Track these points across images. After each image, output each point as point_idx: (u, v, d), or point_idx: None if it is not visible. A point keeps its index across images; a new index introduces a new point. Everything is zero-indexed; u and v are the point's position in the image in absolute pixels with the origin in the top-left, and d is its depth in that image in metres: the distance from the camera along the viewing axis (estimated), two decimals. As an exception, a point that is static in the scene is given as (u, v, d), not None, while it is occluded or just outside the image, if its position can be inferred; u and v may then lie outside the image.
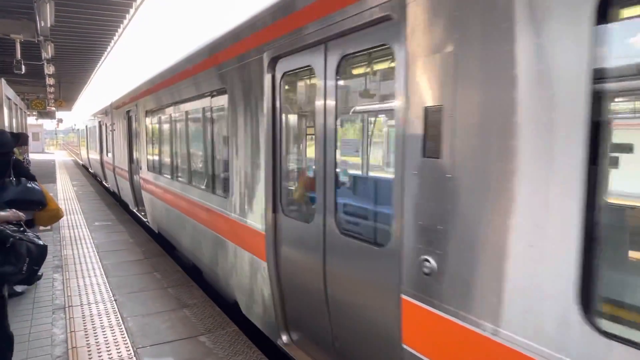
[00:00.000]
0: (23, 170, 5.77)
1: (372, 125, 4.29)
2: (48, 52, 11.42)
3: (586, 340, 1.69)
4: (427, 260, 2.37)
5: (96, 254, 8.01)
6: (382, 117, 4.24)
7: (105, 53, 16.17)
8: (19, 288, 5.78)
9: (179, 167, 7.49)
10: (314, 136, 3.60)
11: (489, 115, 2.01)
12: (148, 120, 9.37)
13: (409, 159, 2.50)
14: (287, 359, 4.27)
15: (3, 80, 14.62)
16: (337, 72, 3.24)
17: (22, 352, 4.34)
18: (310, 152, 3.76)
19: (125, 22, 11.89)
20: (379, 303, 2.89)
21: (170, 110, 7.70)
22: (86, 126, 25.65)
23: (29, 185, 5.34)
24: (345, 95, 3.72)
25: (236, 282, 4.98)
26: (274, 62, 3.94)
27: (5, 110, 14.20)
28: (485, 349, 2.07)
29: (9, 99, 15.03)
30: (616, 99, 1.87)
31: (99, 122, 18.36)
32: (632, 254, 2.04)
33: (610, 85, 1.73)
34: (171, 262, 7.56)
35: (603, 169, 1.71)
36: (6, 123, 14.14)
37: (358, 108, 4.01)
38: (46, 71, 14.94)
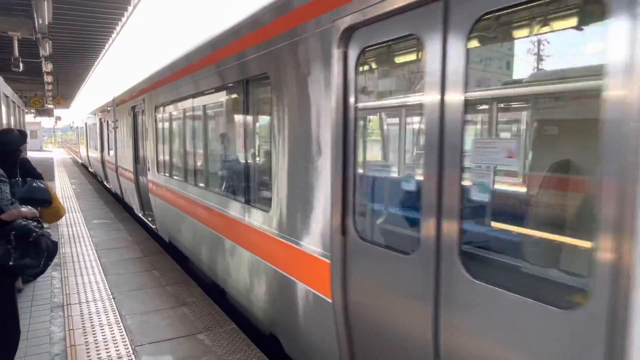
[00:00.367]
0: (30, 169, 5.76)
1: (536, 118, 2.95)
2: (46, 49, 11.38)
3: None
4: None
5: (95, 251, 8.00)
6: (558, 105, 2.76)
7: (104, 51, 16.13)
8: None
9: (199, 171, 6.50)
10: (415, 135, 2.89)
11: None
12: (159, 115, 8.24)
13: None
14: (286, 359, 4.28)
15: (1, 78, 14.55)
16: (468, 40, 2.25)
17: (20, 350, 4.32)
18: (412, 156, 3.04)
19: (124, 19, 11.86)
20: None
21: (187, 103, 6.65)
22: (86, 123, 24.68)
23: (34, 184, 5.28)
24: (481, 74, 2.66)
25: (278, 316, 4.14)
26: (347, 34, 2.99)
27: (3, 108, 14.13)
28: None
29: (7, 96, 14.97)
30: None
31: (100, 119, 17.38)
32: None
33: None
34: (170, 260, 7.56)
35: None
36: (4, 121, 14.08)
37: (518, 91, 2.71)
38: (44, 69, 14.90)
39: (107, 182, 16.91)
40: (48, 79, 17.72)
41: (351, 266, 3.10)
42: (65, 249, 8.11)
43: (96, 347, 4.45)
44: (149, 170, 8.99)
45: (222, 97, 5.76)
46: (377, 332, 2.96)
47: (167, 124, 8.02)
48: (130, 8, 10.95)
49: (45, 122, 53.85)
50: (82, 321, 5.04)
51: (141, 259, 7.62)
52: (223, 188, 5.63)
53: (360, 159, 3.10)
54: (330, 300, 3.24)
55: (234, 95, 5.23)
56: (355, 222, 3.08)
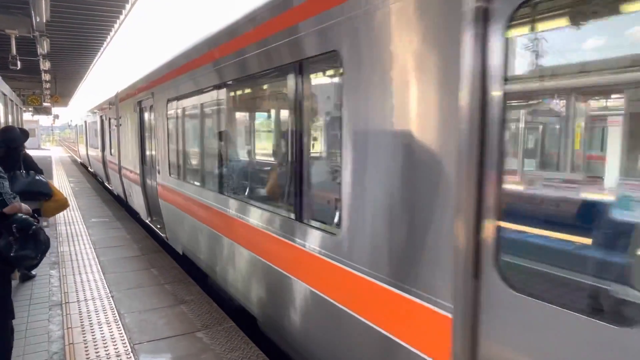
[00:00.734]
0: (31, 164, 6.21)
1: None
2: (44, 47, 11.35)
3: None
4: None
5: (93, 250, 8.00)
6: None
7: (102, 49, 16.11)
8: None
9: (226, 176, 5.39)
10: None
11: None
12: (171, 110, 7.15)
13: None
14: (284, 357, 4.29)
15: (-2, 76, 14.55)
16: None
17: (18, 349, 4.33)
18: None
19: (122, 17, 11.84)
20: None
21: (210, 95, 5.60)
22: (85, 121, 23.22)
23: (37, 177, 5.67)
24: None
25: None
26: None
27: (1, 107, 14.13)
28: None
29: (5, 94, 14.93)
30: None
31: (101, 116, 16.21)
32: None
33: None
34: (168, 259, 7.56)
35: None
36: (2, 119, 14.08)
37: None
38: (42, 67, 14.86)
39: (108, 184, 15.87)
40: (46, 77, 17.69)
41: (488, 326, 2.09)
42: (63, 248, 8.10)
43: (95, 345, 4.45)
44: (158, 173, 8.02)
45: (261, 85, 4.90)
46: None
47: (182, 121, 6.94)
48: (128, 6, 10.93)
49: (43, 120, 53.79)
50: (81, 319, 5.04)
51: (139, 258, 7.61)
52: (262, 199, 4.73)
53: (511, 164, 2.15)
54: None
55: (281, 83, 4.24)
56: (499, 261, 2.04)
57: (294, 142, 3.70)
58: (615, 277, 1.86)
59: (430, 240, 2.37)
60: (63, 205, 6.17)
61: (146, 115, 9.12)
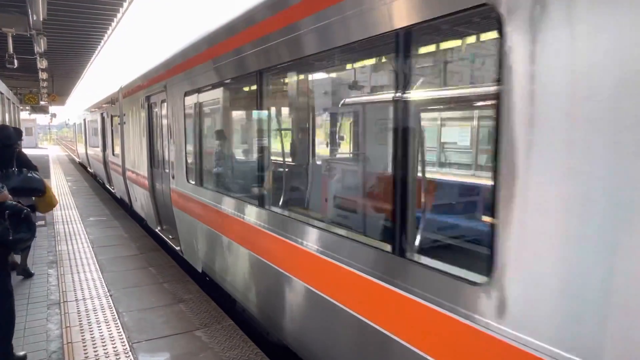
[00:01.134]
0: (26, 161, 6.26)
1: None
2: (40, 46, 11.31)
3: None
4: None
5: (91, 249, 7.99)
6: None
7: (99, 47, 16.06)
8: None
9: (276, 187, 4.57)
10: None
11: None
12: (191, 105, 6.09)
13: None
14: (282, 355, 4.29)
15: (-5, 74, 14.51)
16: None
17: (17, 348, 4.32)
18: None
19: (119, 15, 11.80)
20: None
21: (248, 81, 4.68)
22: (84, 119, 21.92)
23: (29, 174, 5.72)
24: None
25: None
26: None
27: (-2, 105, 14.09)
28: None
29: (2, 93, 14.90)
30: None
31: (102, 114, 15.11)
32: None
33: None
34: (166, 257, 7.55)
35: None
36: (-1, 118, 14.03)
37: None
38: (39, 65, 14.81)
39: (110, 186, 14.75)
40: (43, 75, 17.64)
41: None
42: (61, 247, 8.08)
43: (93, 344, 4.44)
44: (172, 178, 6.93)
45: (342, 63, 4.02)
46: None
47: (206, 117, 6.11)
48: (125, 3, 10.89)
49: (41, 119, 53.63)
50: (79, 318, 5.04)
51: (137, 256, 7.61)
52: (331, 217, 4.05)
53: None
54: None
55: (376, 56, 3.50)
56: None
57: (405, 140, 2.57)
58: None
59: None
60: (52, 202, 6.10)
61: (156, 111, 8.10)
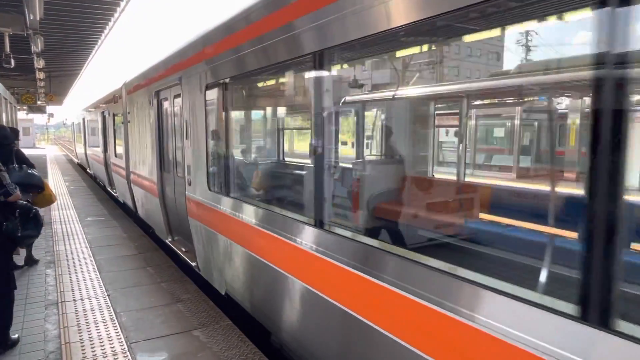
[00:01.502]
0: (24, 159, 6.49)
1: None
2: (37, 45, 11.28)
3: None
4: None
5: (89, 249, 7.97)
6: None
7: (97, 46, 16.02)
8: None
9: (339, 199, 3.90)
10: None
11: None
12: (214, 100, 5.25)
13: None
14: (281, 354, 4.29)
15: (-8, 74, 14.48)
16: None
17: (14, 348, 4.32)
18: None
19: (117, 14, 11.77)
20: None
21: (300, 67, 3.98)
22: (83, 119, 21.03)
23: (29, 171, 6.04)
24: None
25: None
26: None
27: (-5, 105, 14.04)
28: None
29: (-1, 93, 14.85)
30: None
31: (103, 112, 14.27)
32: None
33: None
34: (164, 257, 7.54)
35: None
36: (-4, 118, 14.00)
37: None
38: (36, 65, 14.79)
39: (112, 189, 13.89)
40: (40, 75, 17.59)
41: None
42: (59, 247, 8.07)
43: (91, 344, 4.44)
44: (188, 184, 6.08)
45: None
46: None
47: (237, 113, 5.41)
48: (122, 3, 10.87)
49: (38, 119, 53.51)
50: (77, 318, 5.03)
51: (136, 256, 7.60)
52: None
53: None
54: None
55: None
56: None
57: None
58: None
59: None
60: (51, 199, 6.46)
61: (167, 108, 7.26)
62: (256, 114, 5.29)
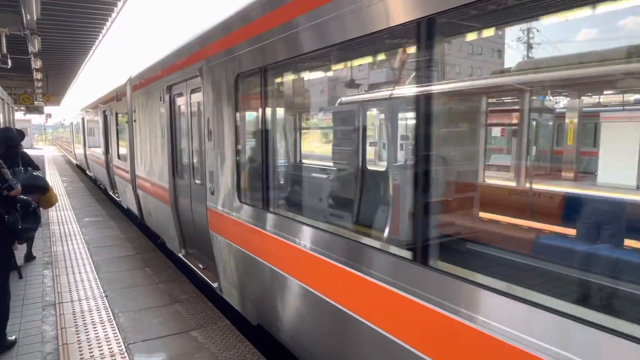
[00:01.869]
0: (29, 161, 6.78)
1: None
2: (35, 46, 11.23)
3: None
4: None
5: (86, 250, 7.95)
6: None
7: (94, 46, 15.98)
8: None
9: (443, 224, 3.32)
10: None
11: None
12: (251, 91, 4.44)
13: None
14: (280, 355, 4.29)
15: (-11, 74, 14.44)
16: None
17: (12, 350, 4.31)
18: None
19: (114, 14, 11.74)
20: None
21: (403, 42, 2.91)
22: (83, 119, 20.00)
23: (34, 173, 6.35)
24: None
25: None
26: None
27: (-8, 105, 14.00)
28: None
29: (-4, 93, 14.81)
30: None
31: (104, 111, 13.29)
32: None
33: None
34: (162, 258, 7.53)
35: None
36: (-7, 118, 13.96)
37: None
38: (33, 65, 14.72)
39: (114, 193, 13.00)
40: (37, 75, 17.53)
41: None
42: (56, 247, 8.04)
43: (89, 345, 4.42)
44: (211, 193, 5.18)
45: None
46: None
47: (285, 107, 4.74)
48: (120, 3, 10.84)
49: (36, 119, 53.39)
50: (74, 319, 5.01)
51: (133, 257, 7.58)
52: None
53: None
54: None
55: None
56: None
57: None
58: None
59: None
60: (53, 200, 6.79)
61: (182, 105, 6.38)
62: (316, 107, 4.22)
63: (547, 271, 3.22)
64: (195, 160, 5.96)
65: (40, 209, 6.32)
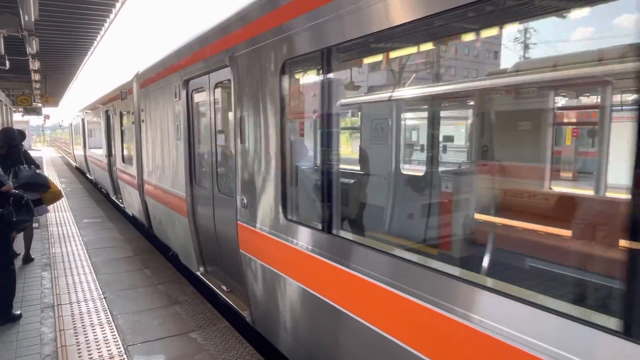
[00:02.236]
0: (30, 160, 7.09)
1: None
2: (33, 47, 11.22)
3: None
4: None
5: (85, 251, 7.93)
6: None
7: (92, 47, 15.95)
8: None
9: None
10: None
11: None
12: (303, 82, 4.09)
13: None
14: (279, 356, 4.27)
15: (-13, 76, 14.40)
16: None
17: (10, 352, 4.29)
18: None
19: (112, 15, 11.73)
20: None
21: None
22: (83, 119, 19.05)
23: (37, 171, 6.72)
24: None
25: None
26: None
27: (-10, 107, 13.97)
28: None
29: (-6, 95, 14.77)
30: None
31: (107, 111, 12.47)
32: None
33: None
34: (161, 259, 7.51)
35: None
36: (-9, 120, 13.92)
37: None
38: (31, 66, 14.70)
39: (117, 199, 12.21)
40: (36, 76, 17.50)
41: None
42: (55, 249, 8.02)
43: (87, 347, 4.41)
44: (242, 206, 4.38)
45: None
46: None
47: (363, 103, 3.96)
48: (118, 4, 10.83)
49: (34, 120, 53.31)
50: (73, 321, 4.99)
51: (132, 258, 7.56)
52: None
53: None
54: None
55: None
56: None
57: None
58: None
59: None
60: (58, 195, 7.17)
61: (203, 101, 5.49)
62: (406, 97, 3.28)
63: None
64: (219, 166, 5.18)
65: (45, 205, 6.95)
